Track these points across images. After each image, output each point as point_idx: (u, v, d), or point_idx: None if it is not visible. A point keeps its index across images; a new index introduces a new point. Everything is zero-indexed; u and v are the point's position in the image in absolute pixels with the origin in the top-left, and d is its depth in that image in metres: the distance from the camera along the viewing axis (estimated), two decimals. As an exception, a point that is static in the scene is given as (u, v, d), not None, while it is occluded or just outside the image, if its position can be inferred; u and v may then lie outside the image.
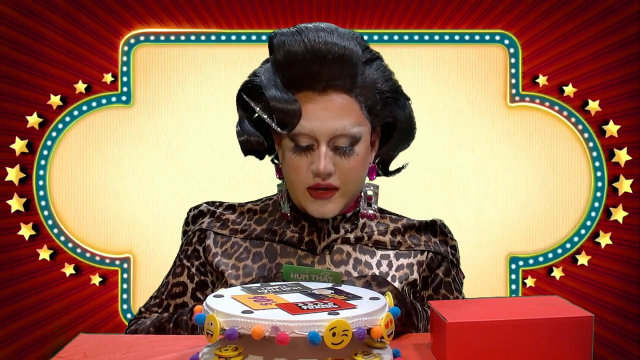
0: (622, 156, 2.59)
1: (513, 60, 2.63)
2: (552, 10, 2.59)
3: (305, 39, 1.09)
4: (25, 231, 2.60)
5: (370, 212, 1.22)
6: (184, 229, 1.31)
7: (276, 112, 1.12)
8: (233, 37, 2.64)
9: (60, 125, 2.61)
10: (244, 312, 0.81)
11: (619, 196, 2.61)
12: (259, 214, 1.27)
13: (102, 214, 2.65)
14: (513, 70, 2.64)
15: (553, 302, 0.95)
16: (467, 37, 2.65)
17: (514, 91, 2.64)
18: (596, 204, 2.63)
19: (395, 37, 2.64)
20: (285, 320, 0.78)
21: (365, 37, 2.59)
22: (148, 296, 1.31)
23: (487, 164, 2.66)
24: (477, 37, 2.65)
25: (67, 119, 2.62)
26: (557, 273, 2.65)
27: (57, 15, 2.57)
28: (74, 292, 2.64)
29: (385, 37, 2.64)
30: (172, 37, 2.65)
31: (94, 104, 2.63)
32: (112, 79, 2.62)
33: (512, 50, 2.64)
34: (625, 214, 2.60)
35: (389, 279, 1.19)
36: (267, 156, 1.28)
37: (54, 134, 2.61)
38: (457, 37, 2.65)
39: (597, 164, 2.62)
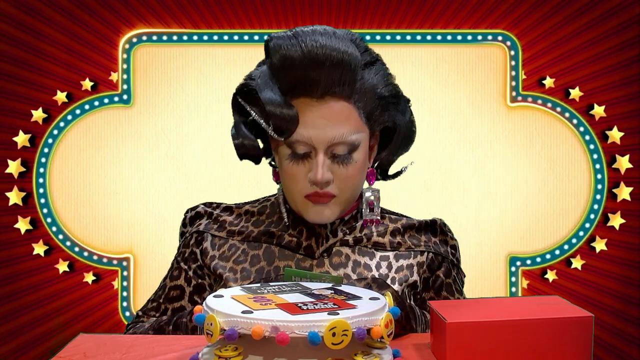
0: (615, 134, 2.59)
1: (513, 61, 2.63)
2: (553, 11, 2.59)
3: (302, 43, 1.06)
4: (22, 225, 2.59)
5: (374, 217, 1.19)
6: (181, 230, 1.30)
7: (273, 117, 1.09)
8: (233, 37, 2.64)
9: (55, 131, 2.61)
10: (243, 312, 0.81)
11: (617, 200, 2.61)
12: (257, 215, 1.26)
13: (102, 214, 2.65)
14: (513, 71, 2.64)
15: (553, 302, 0.95)
16: (467, 37, 2.65)
17: (514, 91, 2.64)
18: (595, 206, 2.63)
19: (396, 37, 2.64)
20: (285, 320, 0.78)
21: (367, 37, 2.60)
22: (148, 296, 1.31)
23: (487, 164, 2.66)
24: (477, 37, 2.65)
25: (69, 117, 2.61)
26: (556, 274, 2.64)
27: (58, 15, 2.57)
28: (74, 292, 2.63)
29: (386, 37, 2.64)
30: (172, 37, 2.65)
31: (95, 103, 2.63)
32: (110, 79, 2.62)
33: (512, 50, 2.64)
34: (623, 221, 2.60)
35: (388, 281, 1.18)
36: (263, 159, 1.25)
37: (50, 139, 2.61)
38: (457, 37, 2.65)
39: (597, 166, 2.62)
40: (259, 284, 0.97)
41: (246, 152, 1.17)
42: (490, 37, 2.64)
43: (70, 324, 2.61)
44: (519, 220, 2.66)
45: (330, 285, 0.98)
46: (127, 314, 2.63)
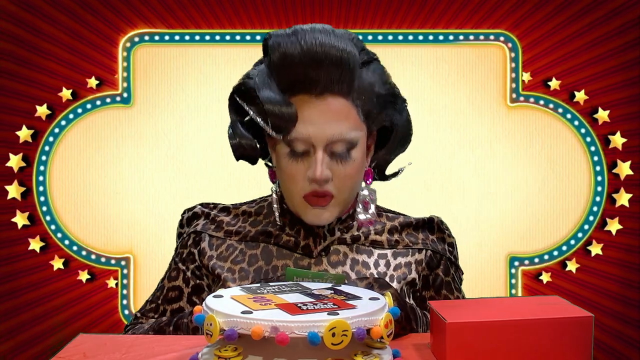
0: (618, 140, 2.59)
1: (513, 62, 2.63)
2: (554, 12, 2.59)
3: (302, 41, 1.06)
4: (21, 221, 2.59)
5: (367, 217, 1.18)
6: (179, 231, 1.30)
7: (271, 115, 1.09)
8: (234, 37, 2.64)
9: (57, 129, 2.61)
10: (243, 312, 0.81)
11: (617, 199, 2.61)
12: (254, 216, 1.25)
13: (102, 214, 2.65)
14: (513, 68, 2.64)
15: (553, 302, 0.95)
16: (467, 37, 2.65)
17: (514, 92, 2.64)
18: (594, 208, 2.63)
19: (397, 37, 2.64)
20: (284, 320, 0.78)
21: (369, 38, 2.60)
22: (147, 296, 1.30)
23: (487, 164, 2.66)
24: (477, 37, 2.65)
25: (64, 122, 2.61)
26: (556, 274, 2.64)
27: (58, 13, 2.57)
28: (74, 292, 2.63)
29: (387, 37, 2.64)
30: (172, 37, 2.65)
31: (96, 102, 2.62)
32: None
33: (512, 50, 2.63)
34: (629, 195, 2.59)
35: (387, 278, 1.18)
36: (260, 160, 1.24)
37: (51, 138, 2.61)
38: (457, 37, 2.65)
39: (597, 168, 2.62)
40: (258, 284, 0.97)
41: (243, 152, 1.16)
42: (490, 38, 2.64)
43: (70, 323, 2.61)
44: (519, 220, 2.66)
45: (330, 285, 0.98)
46: (126, 312, 2.63)
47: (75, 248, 2.63)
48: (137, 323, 1.25)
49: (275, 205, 1.18)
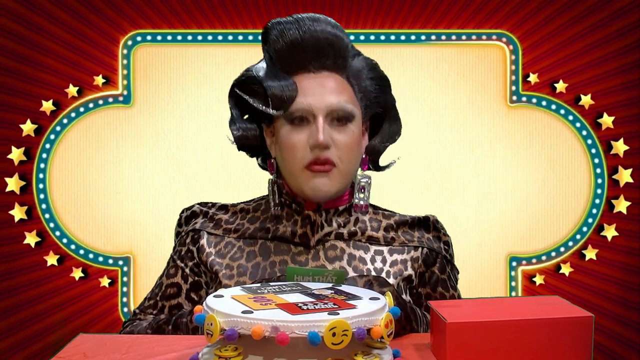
0: (620, 147, 2.59)
1: (513, 63, 2.63)
2: (555, 14, 2.59)
3: (300, 21, 1.17)
4: (31, 239, 2.59)
5: (362, 203, 1.22)
6: (177, 230, 1.31)
7: (272, 92, 1.15)
8: (234, 37, 2.64)
9: (58, 128, 2.61)
10: (243, 312, 0.81)
11: (620, 187, 2.61)
12: (252, 212, 1.27)
13: (102, 214, 2.65)
14: (513, 70, 2.64)
15: (553, 302, 0.95)
16: (467, 37, 2.65)
17: (514, 91, 2.64)
18: (597, 201, 2.63)
19: (397, 37, 2.64)
20: (285, 320, 0.78)
21: (372, 37, 2.61)
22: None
23: (487, 164, 2.66)
24: (477, 37, 2.65)
25: (66, 120, 2.61)
26: (556, 275, 2.64)
27: (59, 11, 2.57)
28: (74, 293, 2.63)
29: (387, 37, 2.64)
30: (172, 37, 2.65)
31: (94, 104, 2.62)
32: (110, 79, 2.62)
33: (512, 50, 2.64)
34: (628, 203, 2.59)
35: (383, 274, 1.20)
36: (256, 159, 1.31)
37: (52, 136, 2.61)
38: (457, 37, 2.65)
39: (596, 160, 2.62)
40: (259, 284, 0.97)
41: (245, 141, 1.23)
42: (490, 38, 2.64)
43: (69, 321, 2.61)
44: (519, 220, 2.66)
45: (330, 285, 0.98)
46: (126, 310, 2.63)
47: (73, 247, 2.63)
48: (135, 319, 1.25)
49: (273, 189, 1.22)
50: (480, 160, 2.66)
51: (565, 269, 2.64)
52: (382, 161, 1.32)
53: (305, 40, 1.16)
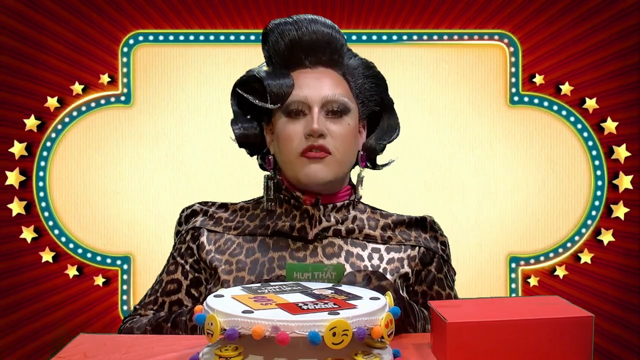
0: (622, 153, 2.59)
1: (513, 60, 2.63)
2: (557, 15, 2.59)
3: (298, 21, 1.23)
4: (27, 234, 2.59)
5: (357, 196, 1.27)
6: (177, 229, 1.33)
7: (270, 87, 1.20)
8: (233, 37, 2.64)
9: (60, 126, 2.61)
10: (244, 312, 0.81)
11: (619, 193, 2.61)
12: (252, 211, 1.29)
13: (102, 214, 2.65)
14: (513, 70, 2.64)
15: (553, 302, 0.95)
16: (467, 37, 2.65)
17: (514, 91, 2.64)
18: (596, 202, 2.63)
19: (396, 37, 2.64)
20: (285, 320, 0.78)
21: (374, 37, 2.61)
22: (147, 296, 1.31)
23: (487, 164, 2.66)
24: (477, 37, 2.65)
25: (67, 119, 2.62)
26: (560, 272, 2.64)
27: (61, 11, 2.57)
28: (74, 291, 2.63)
29: (387, 37, 2.64)
30: (172, 37, 2.65)
31: (94, 103, 2.63)
32: (110, 79, 2.62)
33: (512, 51, 2.64)
34: (626, 210, 2.59)
35: (380, 271, 1.19)
36: (257, 158, 1.34)
37: (53, 135, 2.61)
38: (457, 37, 2.65)
39: (596, 162, 2.63)
40: (259, 284, 0.97)
41: (246, 139, 1.27)
42: (491, 37, 2.64)
43: (68, 320, 2.61)
44: (519, 220, 2.66)
45: (330, 285, 0.98)
46: (125, 307, 2.63)
47: (72, 246, 2.63)
48: (135, 315, 1.26)
49: (268, 184, 1.26)
50: (480, 160, 2.66)
51: (562, 271, 2.64)
52: (381, 160, 1.34)
53: (303, 40, 1.21)
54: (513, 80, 2.64)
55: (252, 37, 2.63)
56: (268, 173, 1.27)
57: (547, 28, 2.61)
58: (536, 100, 2.64)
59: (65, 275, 2.62)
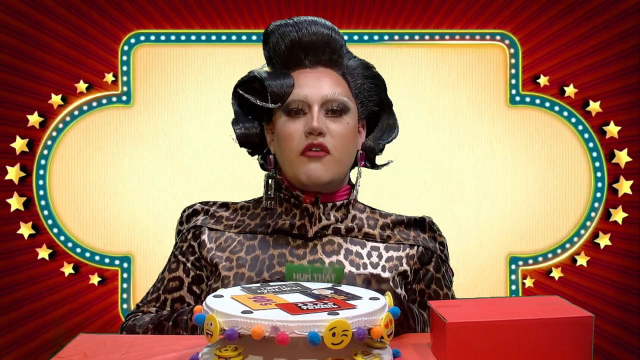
0: (623, 157, 2.59)
1: (513, 61, 2.63)
2: (557, 16, 2.59)
3: (298, 23, 1.24)
4: (25, 230, 2.60)
5: (354, 195, 1.28)
6: (178, 228, 1.34)
7: (271, 89, 1.21)
8: (233, 37, 2.64)
9: (60, 125, 2.61)
10: (243, 312, 0.81)
11: (618, 197, 2.61)
12: (252, 210, 1.31)
13: (102, 214, 2.65)
14: (513, 71, 2.64)
15: (553, 302, 0.95)
16: (467, 37, 2.65)
17: (514, 91, 2.64)
18: (596, 204, 2.63)
19: (398, 37, 2.64)
20: (285, 320, 0.78)
21: (375, 37, 2.62)
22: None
23: (487, 164, 2.66)
24: (477, 37, 2.65)
25: (68, 118, 2.62)
26: (557, 274, 2.64)
27: (61, 10, 2.57)
28: (74, 291, 2.63)
29: (387, 37, 2.64)
30: (172, 37, 2.65)
31: (94, 104, 2.63)
32: (113, 78, 2.62)
33: (512, 50, 2.64)
34: (625, 215, 2.60)
35: (379, 268, 1.22)
36: (258, 158, 1.35)
37: (54, 133, 2.61)
38: (457, 37, 2.65)
39: (597, 164, 2.63)
40: (258, 284, 0.97)
41: (247, 138, 1.28)
42: (490, 37, 2.64)
43: (67, 319, 2.61)
44: (519, 220, 2.66)
45: (330, 285, 0.98)
46: (125, 306, 2.63)
47: (79, 250, 2.63)
48: (137, 313, 1.27)
49: (269, 182, 1.27)
50: (480, 160, 2.66)
51: (561, 272, 2.64)
52: (380, 160, 1.35)
53: (303, 41, 1.23)
54: (513, 80, 2.64)
55: (254, 38, 2.63)
56: (268, 172, 1.28)
57: (548, 29, 2.61)
58: (538, 101, 2.63)
59: (64, 274, 2.62)
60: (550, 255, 2.65)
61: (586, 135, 2.62)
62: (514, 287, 2.66)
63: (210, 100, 2.63)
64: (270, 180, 1.27)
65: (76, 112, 2.62)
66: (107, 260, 2.65)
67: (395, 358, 0.89)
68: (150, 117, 2.65)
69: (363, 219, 1.28)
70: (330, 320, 0.78)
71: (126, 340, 1.04)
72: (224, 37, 2.64)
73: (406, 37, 2.64)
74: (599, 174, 2.63)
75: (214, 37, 2.64)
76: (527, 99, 2.64)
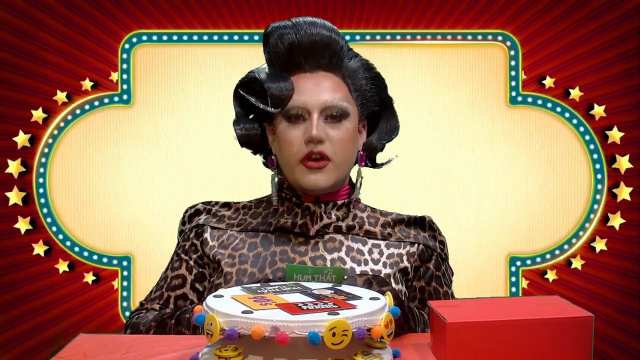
0: (624, 163, 2.59)
1: (513, 63, 2.63)
2: (558, 17, 2.59)
3: (298, 25, 1.24)
4: (22, 225, 2.59)
5: (356, 197, 1.28)
6: (180, 228, 1.35)
7: (270, 91, 1.21)
8: (234, 37, 2.64)
9: (62, 124, 2.61)
10: (243, 312, 0.81)
11: (617, 200, 2.61)
12: (254, 209, 1.32)
13: (102, 214, 2.65)
14: (513, 73, 2.64)
15: (553, 302, 0.95)
16: (467, 37, 2.65)
17: (514, 91, 2.64)
18: (595, 206, 2.63)
19: (396, 37, 2.64)
20: (285, 320, 0.78)
21: (377, 37, 2.62)
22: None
23: (487, 164, 2.66)
24: (477, 37, 2.65)
25: (69, 117, 2.61)
26: (556, 275, 2.64)
27: (61, 9, 2.57)
28: (75, 292, 2.63)
29: (387, 37, 2.63)
30: (172, 37, 2.65)
31: (95, 103, 2.63)
32: (113, 79, 2.62)
33: (512, 50, 2.64)
34: (623, 221, 2.59)
35: (380, 265, 1.23)
36: (259, 156, 1.36)
37: (55, 132, 2.61)
38: (457, 37, 2.65)
39: (597, 166, 2.62)
40: (258, 284, 0.97)
41: (248, 139, 1.29)
42: (490, 37, 2.64)
43: (65, 317, 2.61)
44: (519, 220, 2.66)
45: (330, 285, 0.98)
46: (126, 304, 2.63)
47: (77, 249, 2.63)
48: (141, 311, 1.28)
49: (275, 180, 1.27)
50: (480, 160, 2.66)
51: (561, 273, 2.64)
52: (381, 159, 1.36)
53: (303, 43, 1.23)
54: (513, 80, 2.64)
55: (256, 37, 2.62)
56: (273, 173, 1.29)
57: (549, 30, 2.61)
58: (539, 101, 2.63)
59: (63, 273, 2.62)
60: (548, 257, 2.65)
61: (587, 137, 2.62)
62: (514, 287, 2.66)
63: (210, 100, 2.63)
64: (276, 179, 1.28)
65: (78, 111, 2.62)
66: (105, 260, 2.65)
67: (395, 358, 0.89)
68: (150, 117, 2.65)
69: (364, 217, 1.29)
70: (330, 320, 0.78)
71: (126, 340, 1.04)
72: (224, 37, 2.64)
73: (408, 37, 2.64)
74: (599, 176, 2.62)
75: (214, 37, 2.64)
76: (529, 99, 2.64)
